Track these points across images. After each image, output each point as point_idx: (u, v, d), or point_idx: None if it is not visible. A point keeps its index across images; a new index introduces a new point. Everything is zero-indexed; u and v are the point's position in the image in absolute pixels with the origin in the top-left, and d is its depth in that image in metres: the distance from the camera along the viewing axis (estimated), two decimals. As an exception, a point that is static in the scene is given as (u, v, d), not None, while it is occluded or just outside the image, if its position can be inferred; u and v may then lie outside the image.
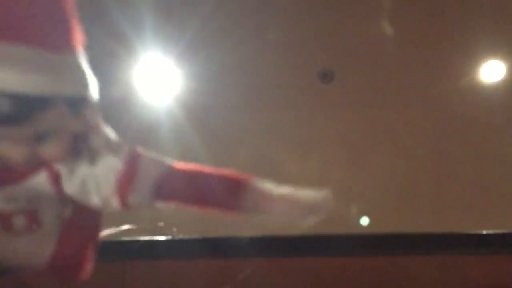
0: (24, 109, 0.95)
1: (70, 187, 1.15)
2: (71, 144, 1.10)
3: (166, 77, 4.41)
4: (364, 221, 4.43)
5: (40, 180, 1.15)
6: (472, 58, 4.55)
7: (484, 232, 3.86)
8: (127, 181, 1.17)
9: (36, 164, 1.08)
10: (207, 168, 1.31)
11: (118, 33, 4.20)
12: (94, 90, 1.12)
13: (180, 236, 3.21)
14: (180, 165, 1.29)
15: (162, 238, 3.25)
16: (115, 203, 1.18)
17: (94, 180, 1.15)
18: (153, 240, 3.12)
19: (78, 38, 1.09)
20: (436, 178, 4.57)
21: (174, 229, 3.14)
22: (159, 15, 4.33)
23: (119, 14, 4.17)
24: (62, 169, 1.15)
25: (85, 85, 1.08)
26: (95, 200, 1.18)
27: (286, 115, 4.57)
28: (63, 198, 1.21)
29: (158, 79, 4.42)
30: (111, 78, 4.44)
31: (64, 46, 1.04)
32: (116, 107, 4.37)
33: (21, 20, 0.96)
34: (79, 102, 1.06)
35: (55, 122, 1.01)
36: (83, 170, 1.14)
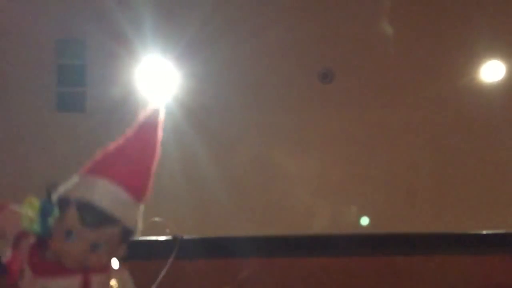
0: (101, 220, 1.47)
1: None
2: (108, 264, 1.55)
3: (165, 77, 4.41)
4: (364, 221, 4.43)
5: (74, 281, 1.51)
6: (472, 58, 4.55)
7: (484, 232, 3.86)
8: None
9: (81, 267, 1.50)
10: None
11: (119, 34, 4.20)
12: (137, 234, 1.60)
13: (181, 236, 3.20)
14: None
15: (162, 238, 3.24)
16: None
17: None
18: (153, 240, 3.12)
19: (149, 195, 1.60)
20: (436, 178, 4.57)
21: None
22: (158, 16, 4.33)
23: (120, 15, 4.17)
24: (95, 280, 1.53)
25: (138, 226, 1.57)
26: None
27: (286, 115, 4.56)
28: None
29: (157, 79, 4.41)
30: (112, 78, 4.44)
31: (142, 197, 1.58)
32: (117, 107, 4.37)
33: (128, 174, 1.55)
34: (128, 234, 1.55)
35: (110, 238, 1.50)
36: None
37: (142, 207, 1.60)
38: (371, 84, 4.57)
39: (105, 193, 1.50)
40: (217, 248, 3.65)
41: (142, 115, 1.64)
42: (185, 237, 3.25)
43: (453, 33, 4.52)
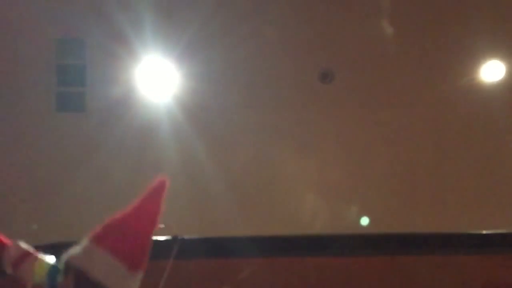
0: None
1: None
2: None
3: (165, 77, 4.41)
4: (364, 221, 4.43)
5: None
6: (472, 58, 4.55)
7: (484, 232, 3.86)
8: None
9: None
10: None
11: (119, 34, 4.21)
12: None
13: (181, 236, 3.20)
14: None
15: (162, 238, 3.24)
16: None
17: None
18: (153, 240, 3.11)
19: (145, 265, 1.73)
20: (436, 178, 4.57)
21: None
22: (158, 16, 4.33)
23: (120, 15, 4.18)
24: None
25: None
26: None
27: (286, 115, 4.57)
28: None
29: (158, 79, 4.42)
30: (112, 78, 4.44)
31: (139, 268, 1.70)
32: (117, 107, 4.38)
33: (126, 247, 1.68)
34: None
35: None
36: None
37: (139, 275, 1.72)
38: (371, 84, 4.57)
39: (101, 264, 1.65)
40: (217, 248, 3.65)
41: (148, 188, 1.73)
42: (185, 237, 3.25)
43: (453, 34, 4.52)
